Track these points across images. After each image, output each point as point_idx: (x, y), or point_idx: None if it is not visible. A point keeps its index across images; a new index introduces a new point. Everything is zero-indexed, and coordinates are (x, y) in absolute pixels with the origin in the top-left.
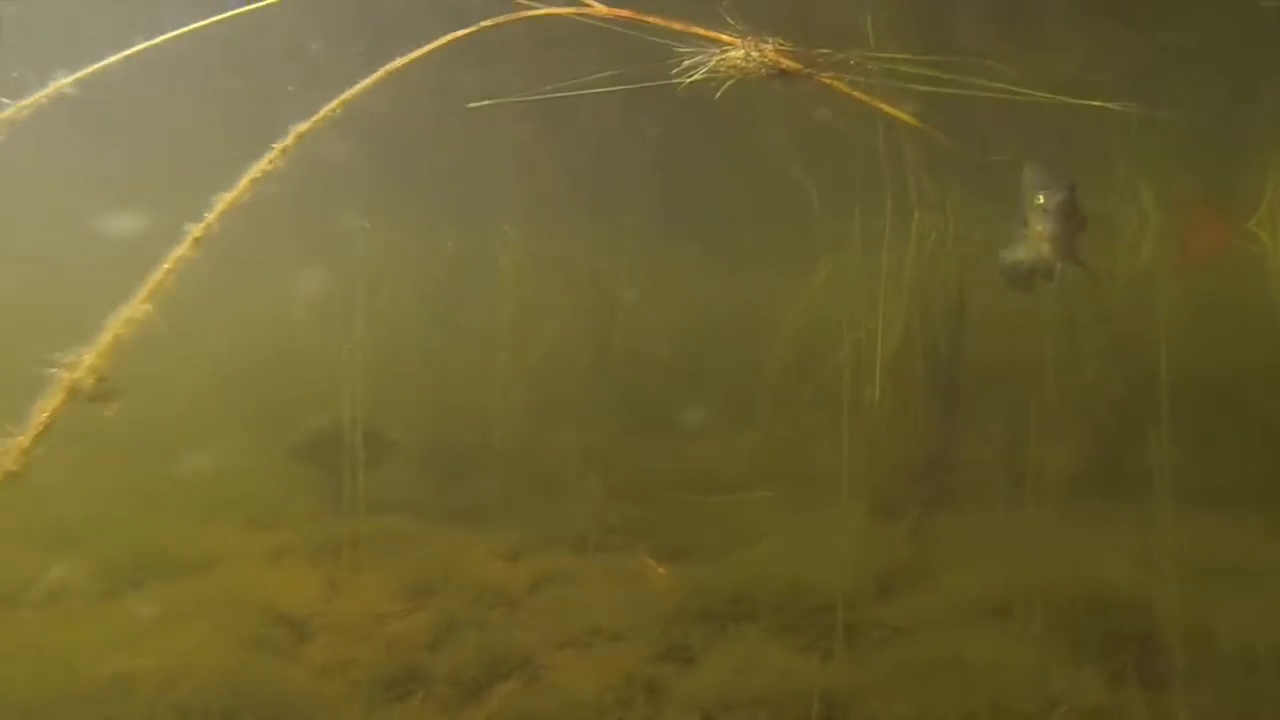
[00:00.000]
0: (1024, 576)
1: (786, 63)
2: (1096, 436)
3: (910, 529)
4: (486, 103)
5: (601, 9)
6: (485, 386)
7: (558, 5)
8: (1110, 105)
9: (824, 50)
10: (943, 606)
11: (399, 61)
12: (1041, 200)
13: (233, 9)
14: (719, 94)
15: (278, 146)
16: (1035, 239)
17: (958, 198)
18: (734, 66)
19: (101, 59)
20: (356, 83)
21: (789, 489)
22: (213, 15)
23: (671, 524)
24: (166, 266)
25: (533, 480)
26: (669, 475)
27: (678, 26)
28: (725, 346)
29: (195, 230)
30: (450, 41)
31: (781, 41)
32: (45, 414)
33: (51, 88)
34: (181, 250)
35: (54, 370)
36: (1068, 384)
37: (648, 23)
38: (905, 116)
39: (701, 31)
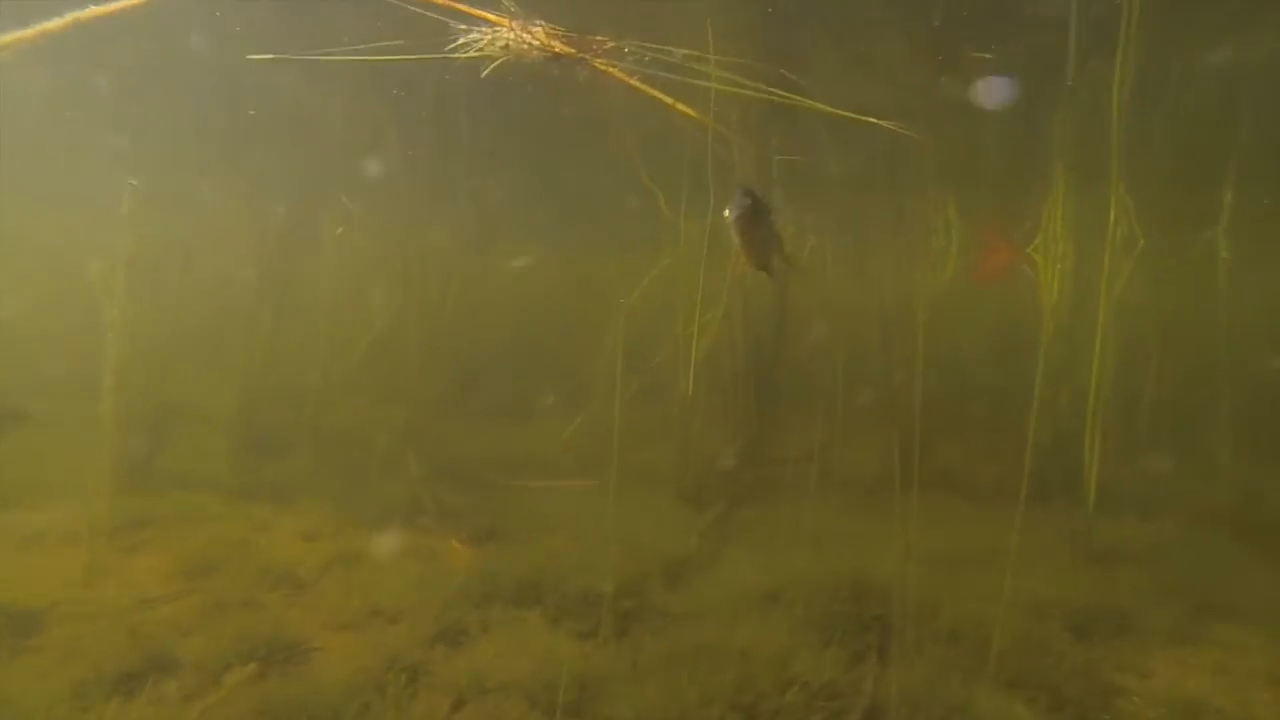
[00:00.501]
0: (799, 567)
1: (559, 46)
2: (897, 437)
3: (713, 520)
4: (265, 57)
5: None
6: (309, 362)
7: None
8: (885, 124)
9: (599, 37)
10: (721, 595)
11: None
12: (726, 214)
13: None
14: (485, 72)
15: None
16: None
17: (778, 196)
18: (505, 47)
19: None
20: None
21: (606, 477)
22: None
23: (484, 508)
24: None
25: (352, 459)
26: (490, 459)
27: (441, 2)
28: (558, 335)
29: None
30: None
31: (552, 25)
32: None
33: None
34: None
35: None
36: (879, 387)
37: None
38: (684, 108)
39: (467, 9)
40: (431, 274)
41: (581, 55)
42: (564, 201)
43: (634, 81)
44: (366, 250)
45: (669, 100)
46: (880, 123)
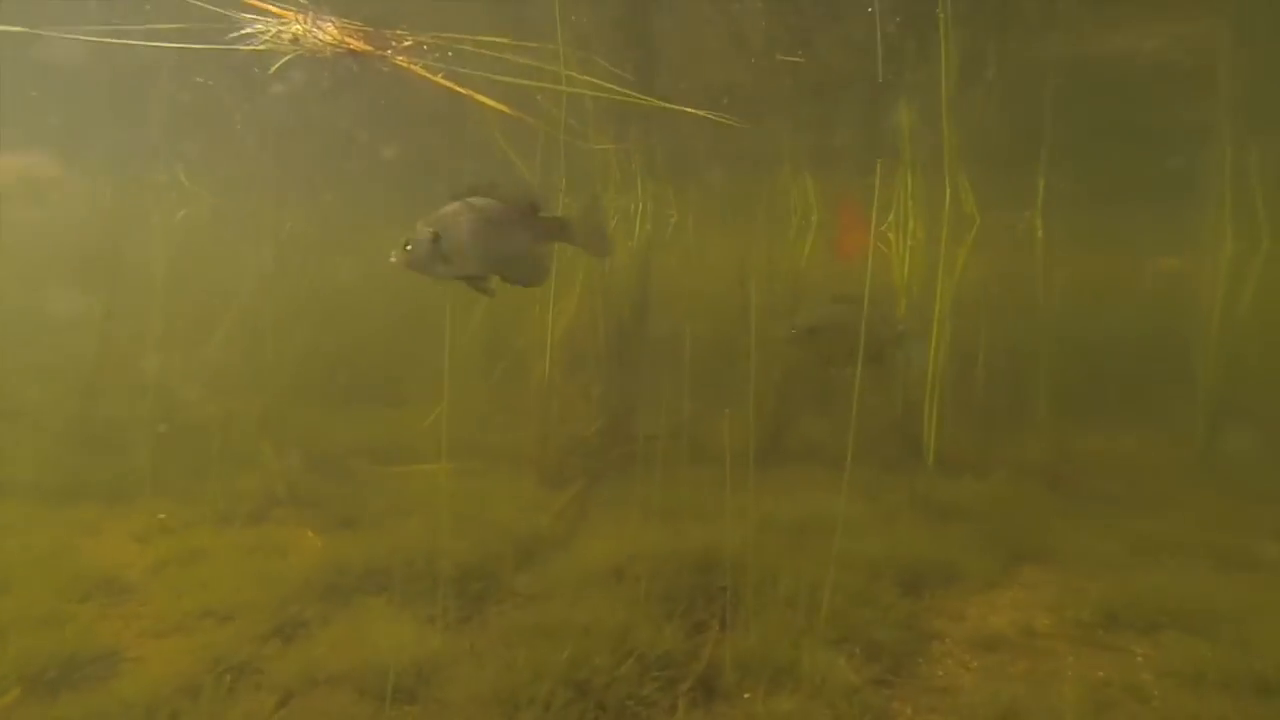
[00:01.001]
0: (651, 542)
1: (354, 42)
2: (760, 413)
3: (570, 499)
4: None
5: None
6: (146, 352)
7: None
8: (699, 112)
9: (398, 31)
10: (571, 574)
11: None
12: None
13: None
14: (274, 68)
15: None
16: None
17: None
18: (294, 40)
19: None
20: None
21: (467, 461)
22: None
23: (343, 496)
24: None
25: (203, 453)
26: (353, 447)
27: None
28: (419, 319)
29: None
30: None
31: (348, 21)
32: None
33: None
34: None
35: None
36: (744, 363)
37: None
38: (492, 103)
39: (254, 2)
40: (286, 261)
41: (379, 51)
42: (428, 185)
43: (439, 79)
44: (216, 235)
45: (476, 96)
46: (702, 113)
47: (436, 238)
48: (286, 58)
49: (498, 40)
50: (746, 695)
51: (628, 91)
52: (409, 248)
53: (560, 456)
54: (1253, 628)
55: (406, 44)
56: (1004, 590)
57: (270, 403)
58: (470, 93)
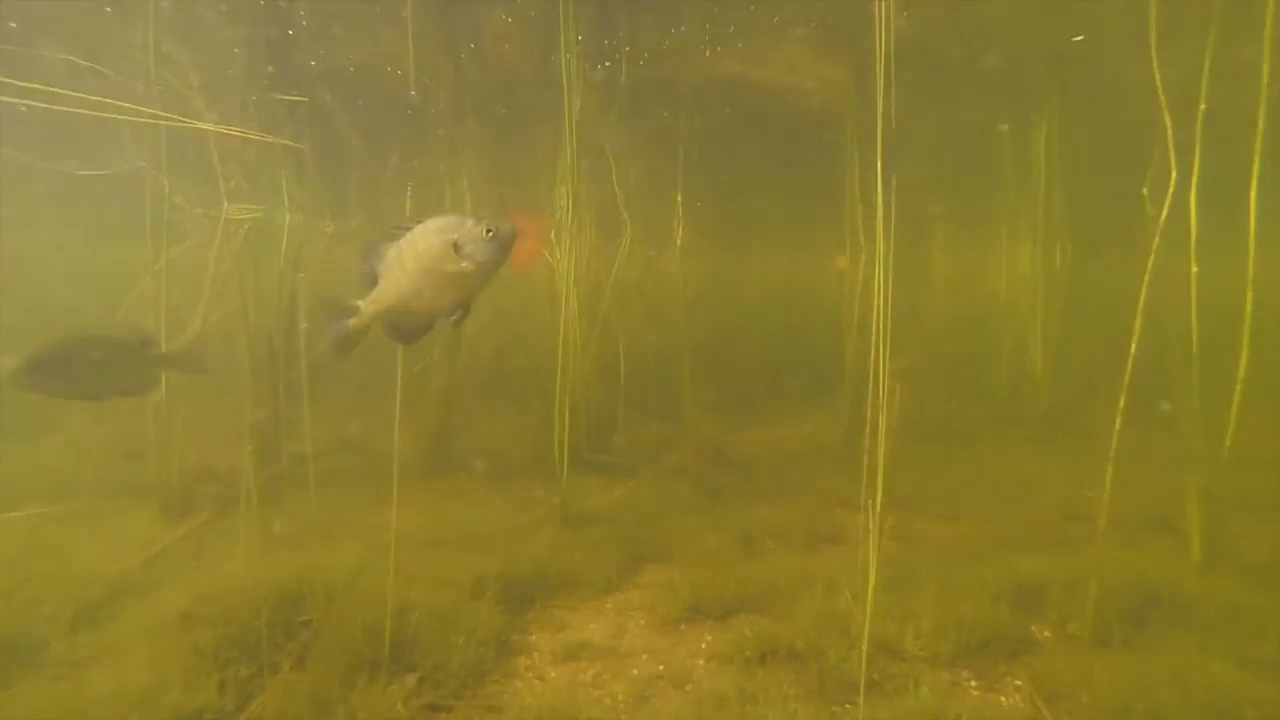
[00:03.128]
0: (239, 579)
1: None
2: (424, 425)
3: (185, 533)
4: None
5: None
6: None
7: None
8: (257, 135)
9: None
10: (139, 626)
11: None
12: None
13: None
14: None
15: None
16: None
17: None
18: None
19: None
20: None
21: (79, 499)
22: None
23: None
24: None
25: None
26: None
27: None
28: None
29: None
30: None
31: None
32: None
33: None
34: None
35: None
36: (409, 378)
37: None
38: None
39: None
40: None
41: None
42: (67, 188)
43: None
44: None
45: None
46: (251, 135)
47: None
48: None
49: None
50: None
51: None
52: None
53: (188, 485)
54: (804, 602)
55: None
56: (616, 594)
57: None
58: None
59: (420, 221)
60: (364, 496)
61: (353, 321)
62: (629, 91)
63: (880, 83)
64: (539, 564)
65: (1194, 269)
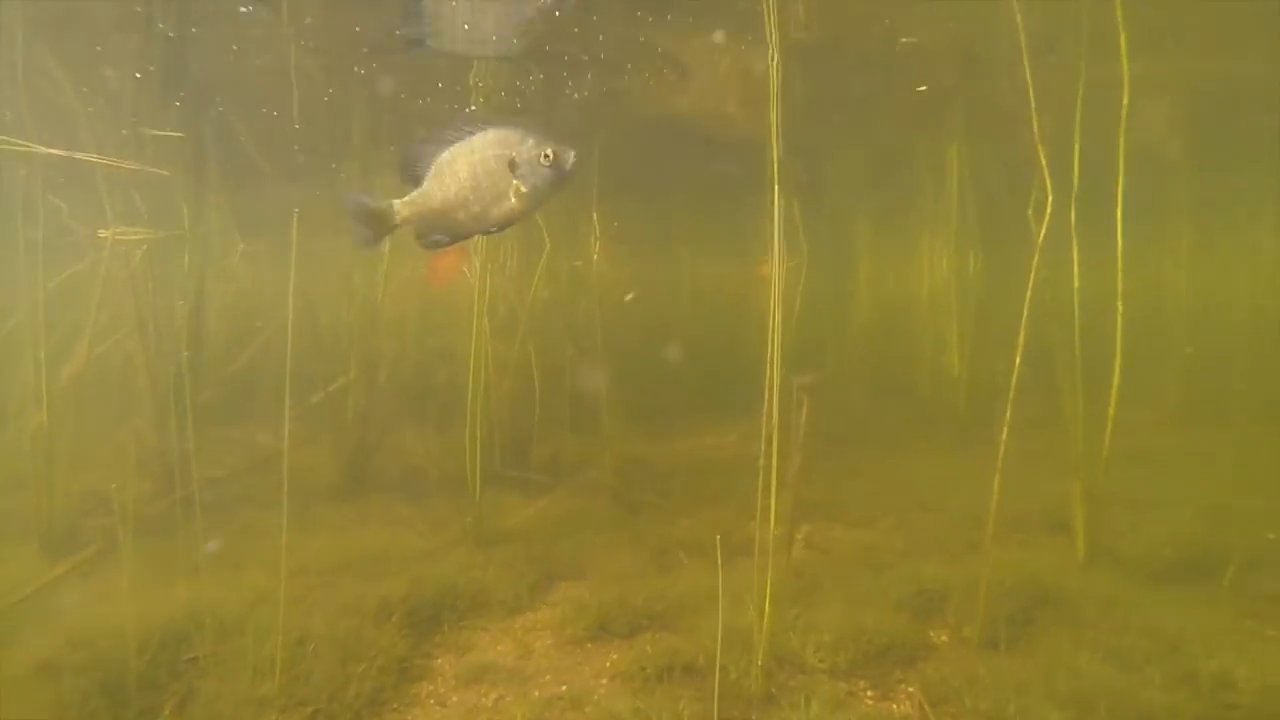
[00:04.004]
0: (119, 619)
1: None
2: (342, 446)
3: (63, 572)
4: None
5: None
6: None
7: None
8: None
9: None
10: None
11: None
12: None
13: None
14: None
15: None
16: None
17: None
18: None
19: None
20: None
21: None
22: None
23: None
24: None
25: None
26: None
27: None
28: None
29: None
30: None
31: None
32: None
33: None
34: None
35: None
36: (332, 393)
37: None
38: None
39: None
40: None
41: None
42: None
43: None
44: None
45: None
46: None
47: None
48: None
49: None
50: None
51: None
52: None
53: (73, 518)
54: (710, 617)
55: None
56: (526, 614)
57: None
58: None
59: (477, 129)
60: (274, 521)
61: (385, 210)
62: (545, 104)
63: (773, 139)
64: (448, 585)
65: (1075, 284)
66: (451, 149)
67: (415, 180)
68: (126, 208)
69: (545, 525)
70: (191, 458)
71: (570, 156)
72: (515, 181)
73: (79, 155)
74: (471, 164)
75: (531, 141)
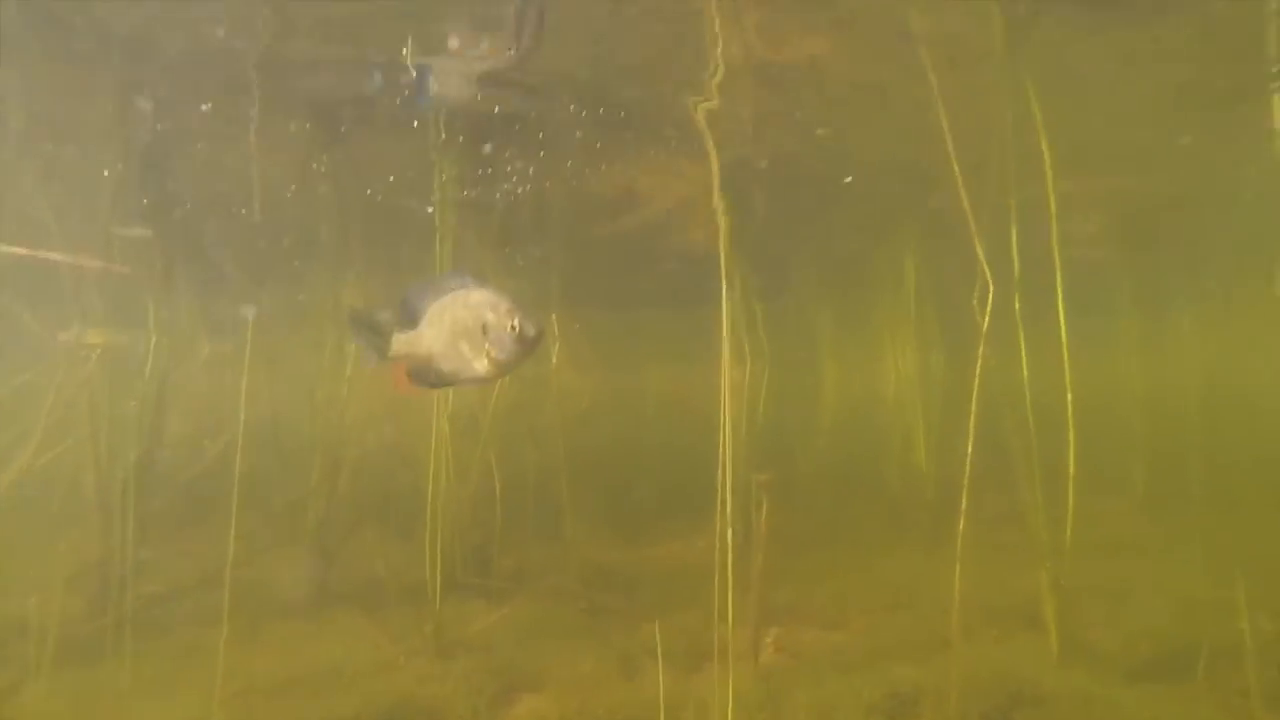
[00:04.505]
0: None
1: None
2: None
3: None
4: None
5: None
6: None
7: None
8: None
9: None
10: None
11: None
12: None
13: None
14: None
15: None
16: None
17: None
18: None
19: None
20: None
21: None
22: None
23: None
24: None
25: None
26: None
27: None
28: None
29: None
30: None
31: None
32: None
33: None
34: None
35: None
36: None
37: None
38: None
39: None
40: None
41: None
42: None
43: None
44: None
45: None
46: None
47: None
48: None
49: None
50: None
51: None
52: None
53: None
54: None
55: None
56: None
57: None
58: None
59: (469, 285)
60: (218, 638)
61: (385, 341)
62: (503, 214)
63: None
64: (404, 699)
65: (1024, 373)
66: (445, 299)
67: (410, 317)
68: (88, 308)
69: (506, 633)
70: (130, 573)
71: (531, 328)
72: (486, 345)
73: (41, 254)
74: (454, 319)
75: (505, 308)
